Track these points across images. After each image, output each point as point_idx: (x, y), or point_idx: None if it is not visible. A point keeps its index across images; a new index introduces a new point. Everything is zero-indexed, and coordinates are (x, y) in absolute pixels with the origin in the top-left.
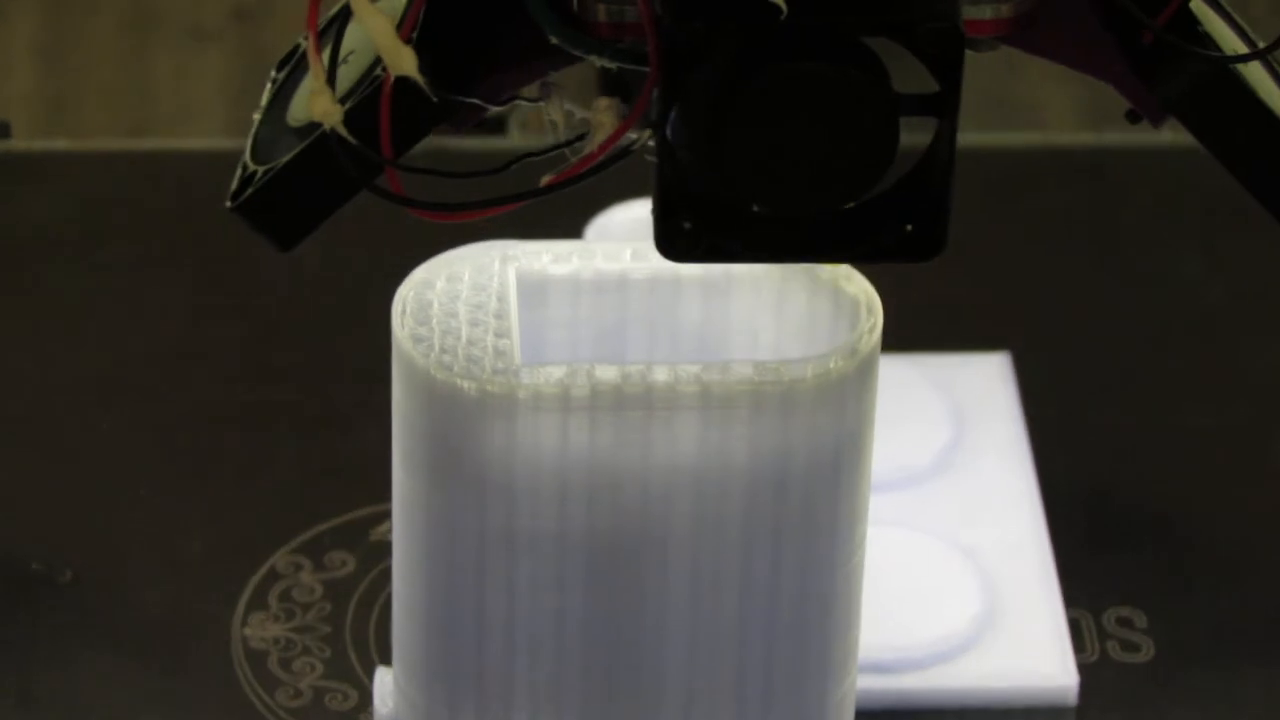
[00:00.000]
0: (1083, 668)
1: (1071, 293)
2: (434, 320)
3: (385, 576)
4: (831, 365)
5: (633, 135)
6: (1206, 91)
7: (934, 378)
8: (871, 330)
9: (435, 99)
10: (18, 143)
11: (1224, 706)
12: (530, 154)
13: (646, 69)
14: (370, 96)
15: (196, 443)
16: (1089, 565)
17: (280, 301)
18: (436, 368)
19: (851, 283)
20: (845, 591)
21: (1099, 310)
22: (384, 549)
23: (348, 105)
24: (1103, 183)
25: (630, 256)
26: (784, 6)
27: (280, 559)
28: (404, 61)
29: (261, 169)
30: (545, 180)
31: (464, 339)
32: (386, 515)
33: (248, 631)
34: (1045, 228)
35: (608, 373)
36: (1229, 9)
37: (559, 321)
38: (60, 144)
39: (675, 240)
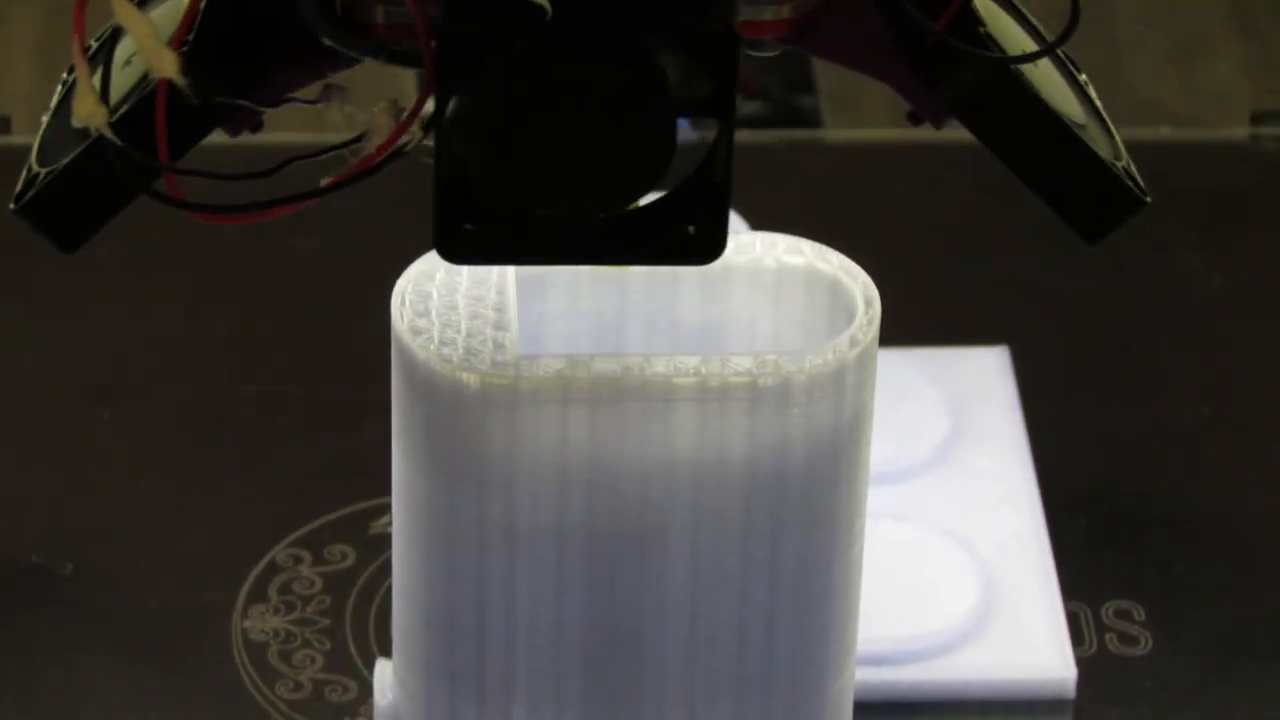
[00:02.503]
0: (1081, 661)
1: (1070, 287)
2: (433, 313)
3: (385, 569)
4: (830, 357)
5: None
6: (987, 93)
7: (933, 371)
8: (870, 323)
9: (195, 102)
10: (17, 137)
11: (1221, 700)
12: (303, 155)
13: (423, 70)
14: (144, 100)
15: (196, 437)
16: (1087, 558)
17: (279, 295)
18: (436, 360)
19: (850, 276)
20: (844, 583)
21: (1097, 304)
22: (384, 542)
23: (123, 108)
24: None
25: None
26: (548, 8)
27: (280, 552)
28: (165, 64)
29: (44, 171)
30: (325, 181)
31: (464, 331)
32: (386, 508)
33: (248, 624)
34: (1044, 222)
35: (607, 365)
36: (1021, 8)
37: (558, 314)
38: None
39: (455, 242)
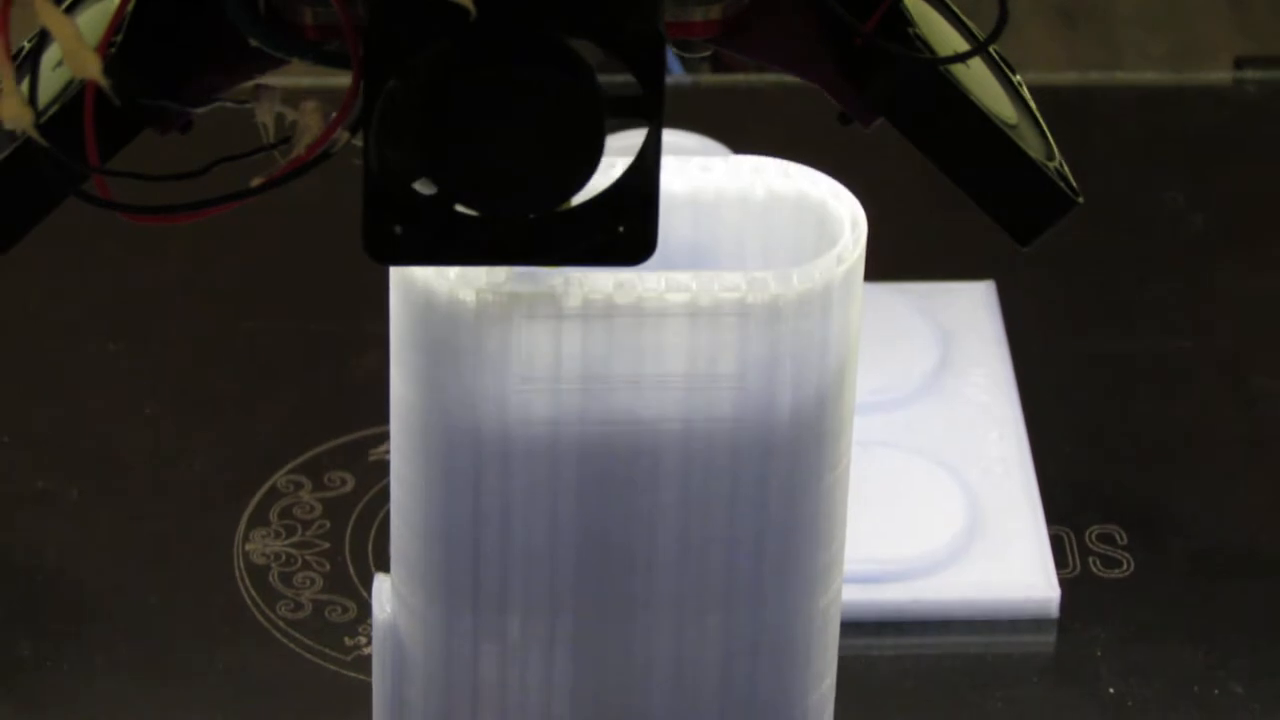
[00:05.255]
0: (1064, 582)
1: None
2: None
3: (383, 495)
4: (817, 275)
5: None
6: (915, 93)
7: (921, 305)
8: (856, 242)
9: (118, 103)
10: None
11: (1202, 619)
12: (231, 156)
13: (350, 71)
14: (71, 101)
15: (198, 368)
16: (1071, 484)
17: (277, 228)
18: (433, 278)
19: (837, 199)
20: (831, 499)
21: (1081, 240)
22: (382, 469)
23: (51, 110)
24: (1086, 119)
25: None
26: (472, 9)
27: (281, 478)
28: (88, 66)
29: None
30: (255, 182)
31: None
32: (384, 437)
33: (249, 547)
34: None
35: (600, 280)
36: (954, 8)
37: None
38: None
39: (385, 243)
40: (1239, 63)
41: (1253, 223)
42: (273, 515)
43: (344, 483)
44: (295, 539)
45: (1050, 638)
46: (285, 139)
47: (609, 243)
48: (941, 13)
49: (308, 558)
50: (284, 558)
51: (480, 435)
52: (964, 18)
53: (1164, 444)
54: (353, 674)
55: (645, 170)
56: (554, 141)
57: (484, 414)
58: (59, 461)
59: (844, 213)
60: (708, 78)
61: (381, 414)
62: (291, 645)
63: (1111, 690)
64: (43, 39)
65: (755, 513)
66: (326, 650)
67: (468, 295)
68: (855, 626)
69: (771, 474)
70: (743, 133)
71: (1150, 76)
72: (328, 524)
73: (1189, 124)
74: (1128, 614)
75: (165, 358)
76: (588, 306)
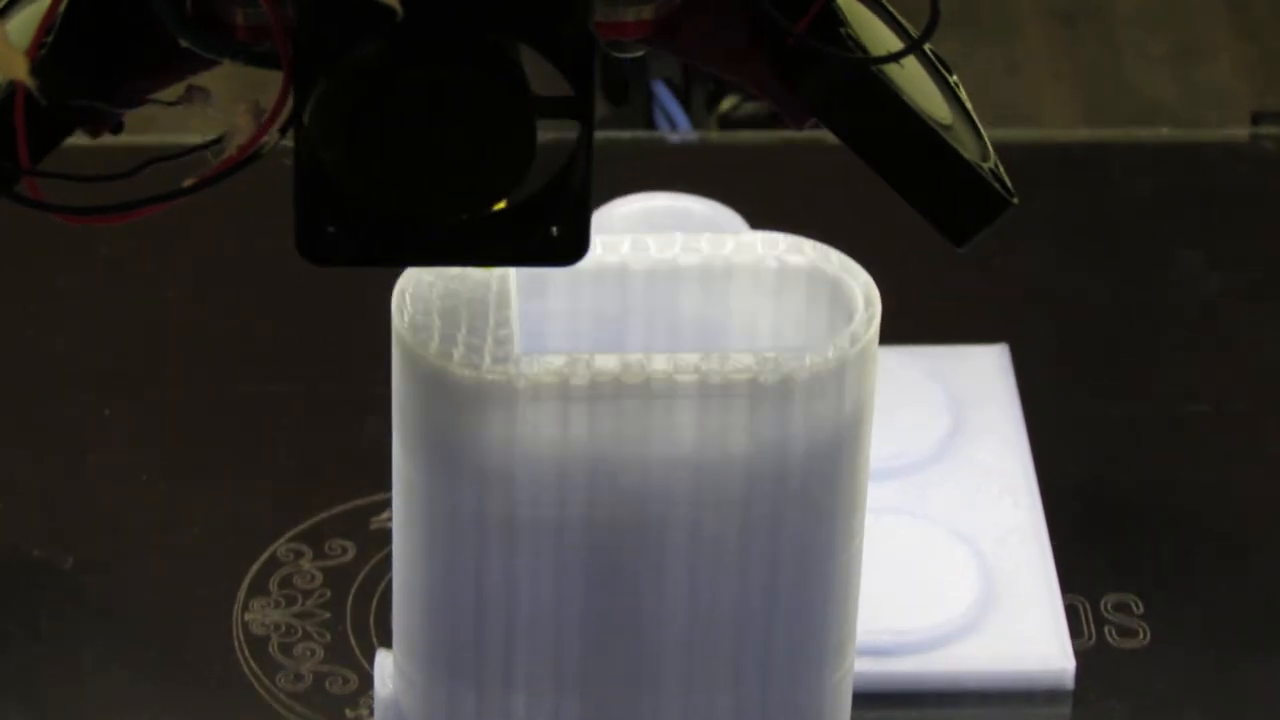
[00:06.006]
0: (1080, 653)
1: (1069, 285)
2: (434, 310)
3: (385, 564)
4: (830, 355)
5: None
6: (846, 92)
7: (933, 369)
8: (870, 320)
9: (45, 104)
10: None
11: (1220, 690)
12: (162, 157)
13: (280, 72)
14: (2, 103)
15: (197, 433)
16: (1086, 553)
17: (281, 293)
18: (437, 357)
19: (851, 275)
20: (844, 576)
21: (1096, 303)
22: (384, 537)
23: None
24: (1100, 177)
25: (629, 247)
26: (399, 10)
27: (281, 546)
28: (14, 67)
29: None
30: (187, 182)
31: (464, 329)
32: (386, 504)
33: (249, 617)
34: (1043, 222)
35: (607, 362)
36: (889, 8)
37: (558, 312)
38: None
39: (318, 243)
40: (1256, 118)
41: (1271, 282)
42: (273, 584)
43: (345, 551)
44: (295, 608)
45: (1066, 710)
46: (217, 139)
47: (541, 244)
48: (876, 13)
49: (308, 628)
50: (284, 628)
51: (484, 515)
52: (899, 18)
53: (1181, 509)
54: None
55: (577, 171)
56: (484, 142)
57: (488, 494)
58: (54, 528)
59: (857, 289)
60: (715, 135)
61: (384, 481)
62: (291, 717)
63: None
64: None
65: (765, 591)
66: None
67: (471, 376)
68: (868, 698)
69: (781, 553)
70: (750, 194)
71: (1165, 133)
72: (328, 593)
73: (1205, 181)
74: (1144, 685)
75: (164, 421)
76: (595, 388)
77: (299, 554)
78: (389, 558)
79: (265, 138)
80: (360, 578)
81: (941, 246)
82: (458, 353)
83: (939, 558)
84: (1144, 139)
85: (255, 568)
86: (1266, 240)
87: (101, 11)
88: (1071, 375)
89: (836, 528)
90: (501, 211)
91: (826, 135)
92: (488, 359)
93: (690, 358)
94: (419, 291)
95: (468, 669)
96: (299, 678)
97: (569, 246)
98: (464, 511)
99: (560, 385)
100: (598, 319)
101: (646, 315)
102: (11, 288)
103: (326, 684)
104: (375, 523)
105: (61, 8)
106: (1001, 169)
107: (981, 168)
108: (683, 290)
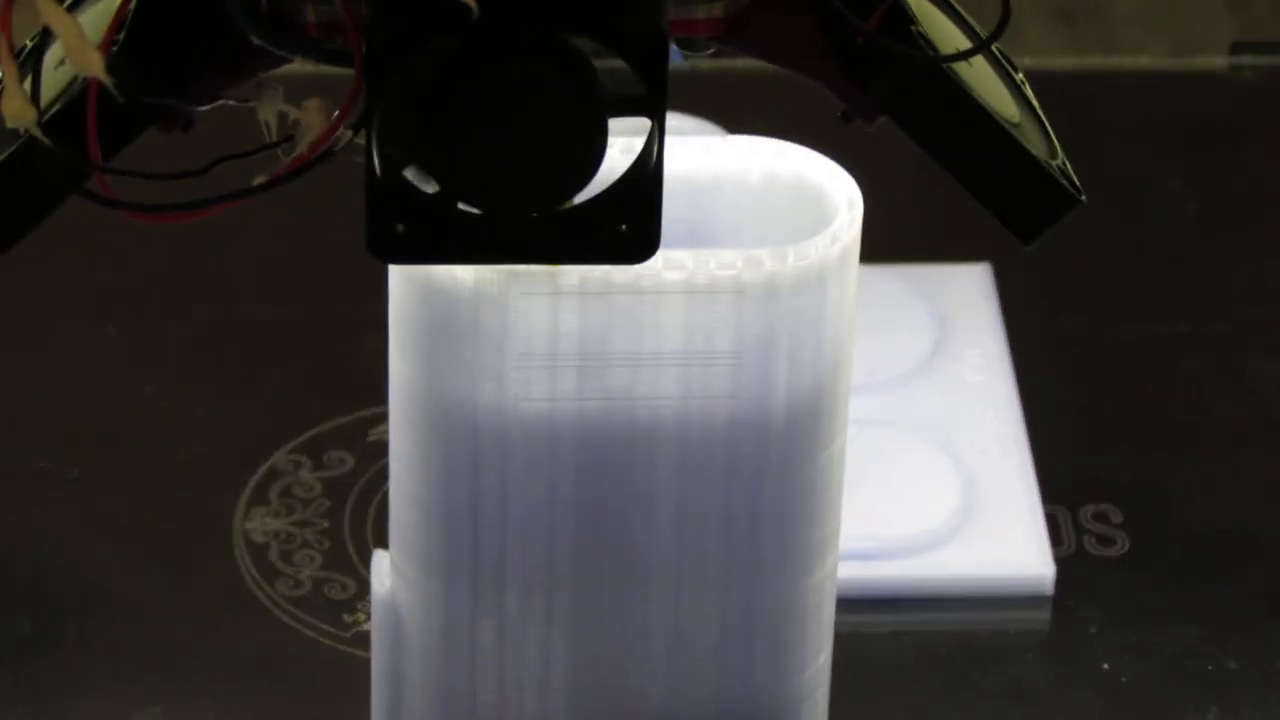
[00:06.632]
0: (1059, 560)
1: None
2: None
3: (382, 474)
4: (813, 253)
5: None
6: (918, 92)
7: (918, 287)
8: (852, 221)
9: (122, 101)
10: None
11: (1196, 597)
12: (234, 155)
13: (352, 70)
14: (74, 100)
15: (197, 349)
16: (1066, 465)
17: (282, 213)
18: None
19: (835, 181)
20: (827, 476)
21: (1078, 224)
22: (381, 449)
23: (55, 108)
24: (1083, 103)
25: (620, 151)
26: (475, 7)
27: (281, 458)
28: (91, 63)
29: None
30: (258, 180)
31: None
32: (383, 417)
33: (249, 525)
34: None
35: None
36: (956, 6)
37: None
38: None
39: (387, 242)
40: (1235, 48)
41: (1248, 208)
42: (272, 494)
43: (343, 462)
44: (295, 517)
45: (1045, 615)
46: (288, 137)
47: (611, 242)
48: (944, 11)
49: (307, 536)
50: (284, 536)
51: (478, 412)
52: (966, 16)
53: (1159, 425)
54: (352, 650)
55: (648, 169)
56: (555, 140)
57: (482, 391)
58: (59, 441)
59: (840, 193)
60: (706, 62)
61: (380, 394)
62: (291, 622)
63: (1106, 667)
64: (45, 38)
65: (751, 489)
66: (326, 626)
67: (465, 274)
68: (850, 603)
69: (768, 451)
70: (740, 116)
71: (1146, 62)
72: (327, 503)
73: (1185, 110)
74: (1122, 592)
75: (164, 339)
76: (585, 284)
77: (298, 465)
78: (386, 468)
79: (336, 135)
80: (358, 488)
81: (924, 168)
82: None
83: (921, 468)
84: (1125, 68)
85: (256, 478)
86: (1243, 167)
87: (173, 9)
88: (1053, 295)
89: (820, 427)
90: (570, 209)
91: None
92: None
93: (679, 254)
94: None
95: (462, 565)
96: (298, 584)
97: (638, 245)
98: (457, 410)
99: (551, 282)
100: None
101: None
102: None
103: (325, 590)
104: (373, 434)
105: (132, 4)
106: (1069, 166)
107: (1050, 165)
108: (670, 197)
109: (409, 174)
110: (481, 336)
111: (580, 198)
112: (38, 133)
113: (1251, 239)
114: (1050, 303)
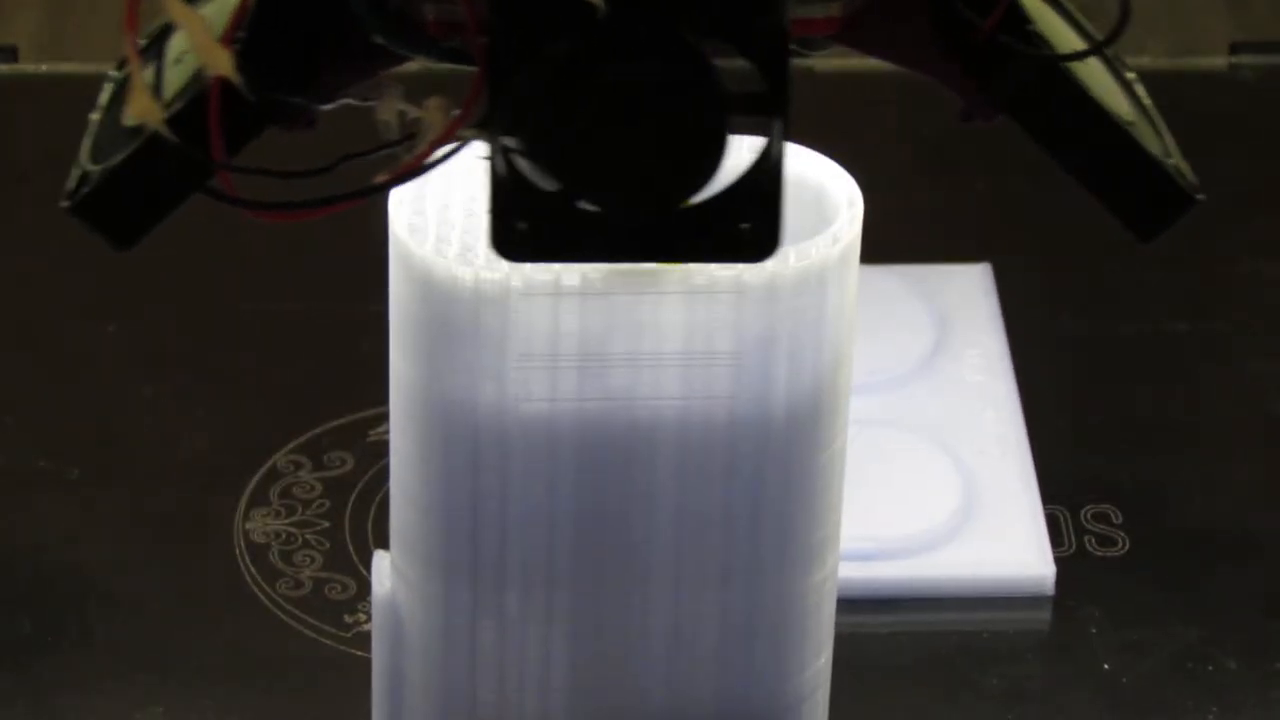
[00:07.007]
0: (1060, 561)
1: (1051, 205)
2: (429, 213)
3: (382, 475)
4: (813, 254)
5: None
6: (1037, 90)
7: (918, 287)
8: (852, 221)
9: (251, 99)
10: (26, 65)
11: (1196, 597)
12: (357, 154)
13: (474, 69)
14: (197, 97)
15: (198, 349)
16: (1067, 465)
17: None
18: (432, 256)
19: (835, 181)
20: (827, 476)
21: (1077, 223)
22: (381, 449)
23: (176, 106)
24: None
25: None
26: (601, 5)
27: (281, 458)
28: (219, 61)
29: (98, 169)
30: (379, 179)
31: (459, 228)
32: (384, 418)
33: (250, 526)
34: (1027, 144)
35: None
36: (1068, 6)
37: None
38: (66, 67)
39: (510, 241)
40: (1234, 48)
41: (1248, 208)
42: (273, 495)
43: (344, 463)
44: (295, 518)
45: (1045, 615)
46: (409, 136)
47: (733, 240)
48: (1057, 11)
49: (307, 536)
50: (284, 536)
51: (478, 412)
52: (1079, 16)
53: (1159, 425)
54: (352, 650)
55: (769, 167)
56: (678, 140)
57: (482, 391)
58: (59, 441)
59: (840, 193)
60: None
61: (381, 395)
62: (291, 622)
63: (1106, 667)
64: (163, 34)
65: (751, 489)
66: (326, 627)
67: (466, 273)
68: (850, 603)
69: (768, 450)
70: None
71: (1145, 62)
72: (327, 503)
73: (1184, 110)
74: (1123, 592)
75: (164, 338)
76: (585, 284)
77: (299, 465)
78: (386, 469)
79: (458, 133)
80: (358, 488)
81: (925, 168)
82: (452, 251)
83: (921, 468)
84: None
85: (256, 479)
86: (1243, 167)
87: (296, 6)
88: (1053, 295)
89: (820, 427)
90: (692, 208)
91: (815, 65)
92: (482, 257)
93: None
94: (416, 195)
95: (462, 565)
96: (299, 584)
97: (760, 243)
98: (457, 409)
99: (552, 282)
100: None
101: None
102: (15, 207)
103: (326, 590)
104: (373, 435)
105: (252, 2)
106: (1184, 165)
107: (1166, 165)
108: None
109: (530, 173)
110: (482, 336)
111: (701, 196)
112: (165, 130)
113: (1251, 239)
114: (1050, 303)
